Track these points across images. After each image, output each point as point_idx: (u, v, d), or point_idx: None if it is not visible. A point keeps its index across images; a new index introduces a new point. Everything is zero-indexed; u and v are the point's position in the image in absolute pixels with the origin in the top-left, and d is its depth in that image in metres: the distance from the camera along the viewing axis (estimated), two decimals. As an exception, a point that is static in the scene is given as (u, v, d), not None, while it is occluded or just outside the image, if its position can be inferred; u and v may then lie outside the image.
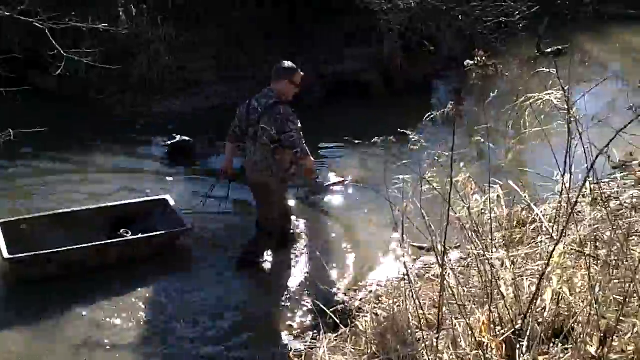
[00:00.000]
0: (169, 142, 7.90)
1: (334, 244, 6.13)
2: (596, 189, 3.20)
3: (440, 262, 2.91)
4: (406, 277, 3.81)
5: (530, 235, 3.46)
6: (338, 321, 4.14)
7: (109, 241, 5.51)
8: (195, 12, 10.57)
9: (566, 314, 2.89)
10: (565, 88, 2.97)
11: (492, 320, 2.90)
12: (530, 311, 2.71)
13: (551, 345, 2.86)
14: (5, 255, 5.03)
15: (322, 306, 4.41)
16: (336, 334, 4.15)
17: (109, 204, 6.14)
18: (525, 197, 3.44)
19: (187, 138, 7.93)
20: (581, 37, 12.62)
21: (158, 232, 5.64)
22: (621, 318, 2.49)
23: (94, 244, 5.38)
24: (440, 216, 3.15)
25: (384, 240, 5.98)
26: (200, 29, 10.40)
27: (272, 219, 5.49)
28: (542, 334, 2.82)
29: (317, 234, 6.28)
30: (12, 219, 5.62)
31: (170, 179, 7.36)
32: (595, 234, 2.81)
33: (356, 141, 6.77)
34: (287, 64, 5.28)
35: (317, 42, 10.44)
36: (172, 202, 6.09)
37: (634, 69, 11.38)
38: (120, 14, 9.60)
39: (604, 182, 6.46)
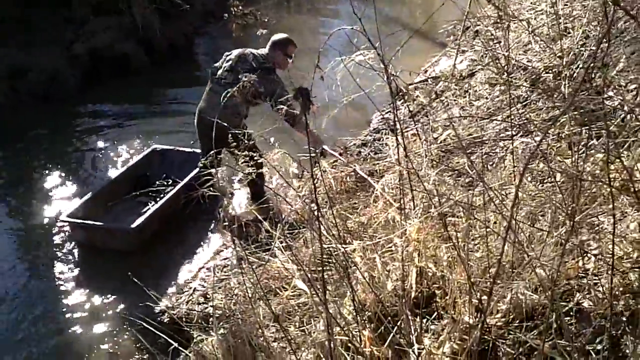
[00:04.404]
0: None
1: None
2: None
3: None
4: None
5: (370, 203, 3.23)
6: (168, 338, 3.57)
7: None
8: None
9: (428, 290, 2.71)
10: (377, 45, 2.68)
11: (356, 307, 2.63)
12: (403, 294, 2.49)
13: (423, 321, 2.68)
14: (131, 226, 5.12)
15: (144, 324, 3.80)
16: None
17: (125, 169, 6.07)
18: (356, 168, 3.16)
19: None
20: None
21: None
22: (495, 281, 2.33)
23: (177, 187, 5.48)
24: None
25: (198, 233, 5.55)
26: None
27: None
28: (410, 313, 2.62)
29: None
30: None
31: None
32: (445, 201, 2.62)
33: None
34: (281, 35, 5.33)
35: (58, 21, 9.20)
36: (165, 147, 6.22)
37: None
38: None
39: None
